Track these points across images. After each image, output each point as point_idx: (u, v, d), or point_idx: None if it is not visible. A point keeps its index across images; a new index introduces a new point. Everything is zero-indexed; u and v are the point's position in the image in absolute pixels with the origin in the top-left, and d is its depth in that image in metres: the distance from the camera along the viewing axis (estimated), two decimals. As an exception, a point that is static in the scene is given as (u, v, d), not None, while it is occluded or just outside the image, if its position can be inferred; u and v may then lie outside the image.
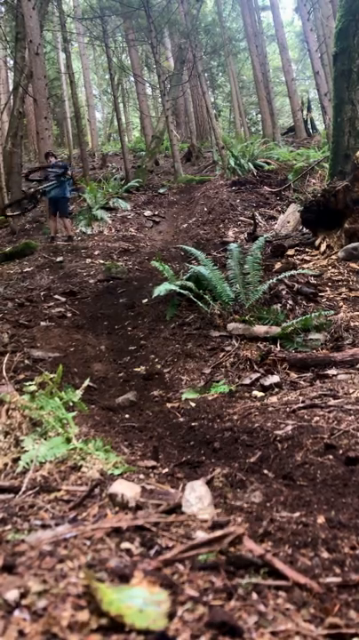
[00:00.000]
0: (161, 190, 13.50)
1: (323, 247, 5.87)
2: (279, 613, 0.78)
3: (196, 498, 1.18)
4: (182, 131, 23.38)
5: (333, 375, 2.95)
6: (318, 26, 19.80)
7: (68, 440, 1.53)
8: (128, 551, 0.94)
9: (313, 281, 4.92)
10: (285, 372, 3.21)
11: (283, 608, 0.79)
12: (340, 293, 4.66)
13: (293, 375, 3.15)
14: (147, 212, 11.46)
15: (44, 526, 1.05)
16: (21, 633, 0.70)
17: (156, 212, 11.47)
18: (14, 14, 13.96)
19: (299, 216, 6.94)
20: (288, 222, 7.75)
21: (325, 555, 0.98)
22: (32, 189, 9.88)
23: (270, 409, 2.37)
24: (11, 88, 17.38)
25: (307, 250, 6.10)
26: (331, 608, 0.81)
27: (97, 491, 1.24)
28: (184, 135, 22.51)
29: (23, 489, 1.26)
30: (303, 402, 2.37)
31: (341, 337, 3.65)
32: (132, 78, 22.89)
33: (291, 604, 0.81)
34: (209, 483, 1.50)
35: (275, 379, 3.02)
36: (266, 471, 1.61)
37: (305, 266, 5.48)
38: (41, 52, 10.78)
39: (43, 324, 4.82)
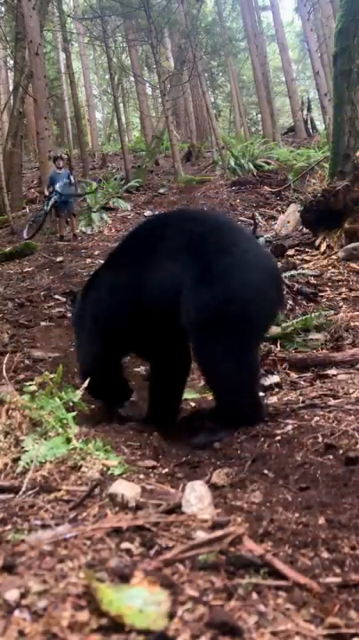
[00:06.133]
0: (161, 190, 13.50)
1: (323, 247, 5.87)
2: (279, 613, 0.78)
3: (196, 498, 1.18)
4: (182, 131, 23.38)
5: (333, 375, 2.95)
6: (318, 26, 19.80)
7: (68, 440, 1.53)
8: (128, 551, 0.94)
9: (313, 281, 4.92)
10: (285, 371, 3.21)
11: (283, 608, 0.79)
12: (340, 293, 4.66)
13: (293, 375, 3.15)
14: (147, 212, 11.46)
15: (44, 526, 1.05)
16: (21, 633, 0.70)
17: (156, 212, 11.47)
18: (14, 14, 13.96)
19: (299, 216, 6.94)
20: (288, 222, 7.76)
21: (325, 555, 0.98)
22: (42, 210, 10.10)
23: (270, 409, 2.37)
24: (11, 88, 17.39)
25: (307, 250, 6.11)
26: (331, 608, 0.81)
27: (97, 491, 1.24)
28: (184, 135, 22.51)
29: (23, 489, 1.26)
30: (303, 402, 2.37)
31: (341, 337, 3.65)
32: (132, 78, 22.89)
33: (291, 604, 0.81)
34: (209, 482, 1.50)
35: (275, 379, 3.02)
36: (266, 471, 1.61)
37: (305, 266, 5.49)
38: (41, 52, 10.78)
39: (43, 323, 4.82)
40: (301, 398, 2.47)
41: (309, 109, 20.92)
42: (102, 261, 7.55)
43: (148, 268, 2.15)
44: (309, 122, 20.46)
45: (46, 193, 9.95)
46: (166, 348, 2.31)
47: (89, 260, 7.75)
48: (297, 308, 4.29)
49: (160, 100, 18.65)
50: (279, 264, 5.37)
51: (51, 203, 9.65)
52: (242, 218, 9.91)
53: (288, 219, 7.90)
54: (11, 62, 15.72)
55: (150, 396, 2.48)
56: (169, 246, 2.14)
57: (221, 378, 2.08)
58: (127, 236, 2.55)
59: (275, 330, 3.78)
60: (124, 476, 1.40)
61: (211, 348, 2.01)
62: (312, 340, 3.69)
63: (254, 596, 0.82)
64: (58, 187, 9.46)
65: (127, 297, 2.22)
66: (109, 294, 2.32)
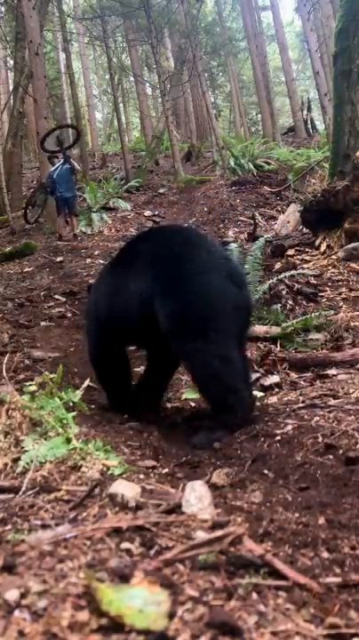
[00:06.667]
0: (161, 190, 13.50)
1: (323, 247, 5.87)
2: (279, 613, 0.78)
3: (196, 498, 1.18)
4: (182, 131, 23.37)
5: (333, 375, 2.95)
6: (318, 26, 19.79)
7: (68, 440, 1.53)
8: (128, 551, 0.94)
9: (313, 281, 4.92)
10: (285, 371, 3.21)
11: (283, 608, 0.79)
12: (340, 293, 4.66)
13: (293, 375, 3.15)
14: (147, 212, 11.46)
15: (44, 526, 1.05)
16: (21, 633, 0.70)
17: (156, 212, 11.47)
18: (14, 14, 13.96)
19: (299, 216, 6.94)
20: (288, 222, 7.75)
21: (325, 555, 0.98)
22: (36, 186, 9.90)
23: (270, 409, 2.37)
24: (11, 88, 17.38)
25: (307, 250, 6.11)
26: (331, 608, 0.81)
27: (97, 491, 1.24)
28: (184, 135, 22.50)
29: (23, 489, 1.26)
30: (303, 402, 2.37)
31: (341, 337, 3.65)
32: (132, 78, 22.88)
33: (291, 604, 0.81)
34: (209, 482, 1.50)
35: (275, 379, 3.02)
36: (266, 471, 1.61)
37: (305, 266, 5.49)
38: (41, 52, 10.78)
39: (43, 323, 4.82)
40: (301, 398, 2.47)
41: (309, 109, 20.91)
42: (102, 261, 7.55)
43: (132, 278, 2.44)
44: (309, 122, 20.45)
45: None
46: (152, 347, 2.68)
47: (89, 260, 7.75)
48: (297, 307, 4.30)
49: (160, 99, 18.66)
50: (279, 264, 5.38)
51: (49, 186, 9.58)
52: (242, 218, 9.91)
53: (288, 219, 7.89)
54: (11, 62, 15.71)
55: (138, 384, 2.82)
56: (148, 259, 2.42)
57: (203, 377, 2.24)
58: (125, 245, 2.86)
59: (275, 330, 3.79)
60: (124, 476, 1.40)
61: (188, 350, 2.23)
62: (312, 339, 3.69)
63: (254, 595, 0.82)
64: (56, 176, 9.38)
65: (119, 300, 2.51)
66: (105, 297, 2.63)
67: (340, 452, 1.64)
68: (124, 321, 2.48)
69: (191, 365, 2.29)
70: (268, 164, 13.59)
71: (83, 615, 0.73)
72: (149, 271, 2.35)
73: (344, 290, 4.73)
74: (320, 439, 1.76)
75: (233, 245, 5.12)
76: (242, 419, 2.12)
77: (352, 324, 3.83)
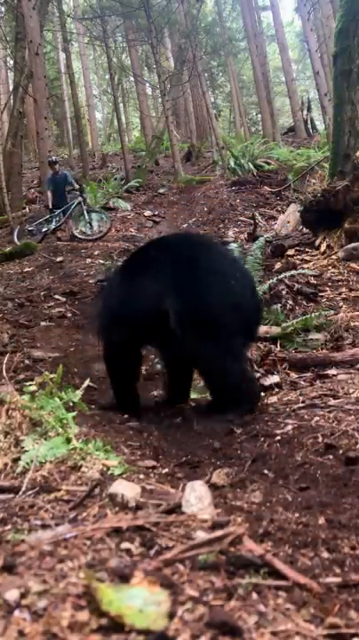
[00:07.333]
0: (161, 190, 13.50)
1: (323, 247, 5.87)
2: (279, 613, 0.78)
3: (196, 498, 1.18)
4: (182, 131, 23.37)
5: (333, 375, 2.95)
6: (318, 26, 19.78)
7: (68, 440, 1.53)
8: (128, 551, 0.94)
9: (313, 281, 4.92)
10: (285, 372, 3.21)
11: (283, 608, 0.79)
12: (340, 293, 4.66)
13: (293, 375, 3.15)
14: (147, 212, 11.46)
15: (44, 526, 1.05)
16: (21, 633, 0.70)
17: (156, 212, 11.48)
18: (14, 14, 13.96)
19: (299, 216, 6.95)
20: (288, 222, 7.75)
21: (325, 555, 0.98)
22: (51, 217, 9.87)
23: (270, 409, 2.37)
24: (11, 88, 17.38)
25: (307, 250, 6.11)
26: (331, 608, 0.81)
27: (97, 491, 1.24)
28: (184, 135, 22.50)
29: (23, 489, 1.26)
30: (303, 402, 2.37)
31: (341, 337, 3.65)
32: (132, 78, 22.89)
33: (291, 604, 0.81)
34: (209, 482, 1.50)
35: (275, 379, 3.02)
36: (266, 471, 1.61)
37: (305, 266, 5.49)
38: (41, 52, 10.78)
39: (43, 323, 4.81)
40: (301, 398, 2.47)
41: (309, 109, 20.90)
42: (102, 261, 7.53)
43: (150, 279, 2.59)
44: (309, 122, 20.44)
45: (49, 205, 9.84)
46: (167, 346, 2.76)
47: (89, 260, 7.74)
48: (297, 307, 4.29)
49: (160, 99, 18.66)
50: (279, 264, 5.38)
51: (53, 225, 9.58)
52: (242, 218, 9.91)
53: (288, 219, 7.89)
54: (11, 62, 15.71)
55: (167, 382, 3.01)
56: (166, 262, 2.57)
57: (212, 374, 2.50)
58: (141, 247, 3.03)
59: (275, 330, 3.79)
60: (124, 476, 1.40)
61: (197, 347, 2.41)
62: (312, 339, 3.69)
63: (254, 595, 0.82)
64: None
65: (137, 299, 2.61)
66: (122, 296, 2.73)
67: (340, 451, 1.64)
68: (141, 319, 2.58)
69: (200, 362, 2.51)
70: (268, 163, 13.59)
71: (83, 615, 0.73)
72: (167, 272, 2.50)
73: (344, 290, 4.73)
74: (320, 439, 1.76)
75: (233, 245, 5.12)
76: (248, 410, 2.32)
77: (352, 323, 3.83)
